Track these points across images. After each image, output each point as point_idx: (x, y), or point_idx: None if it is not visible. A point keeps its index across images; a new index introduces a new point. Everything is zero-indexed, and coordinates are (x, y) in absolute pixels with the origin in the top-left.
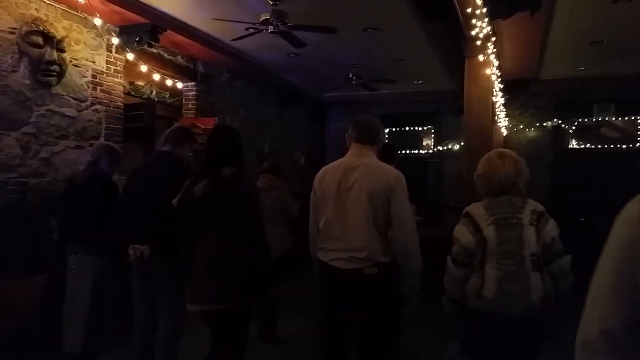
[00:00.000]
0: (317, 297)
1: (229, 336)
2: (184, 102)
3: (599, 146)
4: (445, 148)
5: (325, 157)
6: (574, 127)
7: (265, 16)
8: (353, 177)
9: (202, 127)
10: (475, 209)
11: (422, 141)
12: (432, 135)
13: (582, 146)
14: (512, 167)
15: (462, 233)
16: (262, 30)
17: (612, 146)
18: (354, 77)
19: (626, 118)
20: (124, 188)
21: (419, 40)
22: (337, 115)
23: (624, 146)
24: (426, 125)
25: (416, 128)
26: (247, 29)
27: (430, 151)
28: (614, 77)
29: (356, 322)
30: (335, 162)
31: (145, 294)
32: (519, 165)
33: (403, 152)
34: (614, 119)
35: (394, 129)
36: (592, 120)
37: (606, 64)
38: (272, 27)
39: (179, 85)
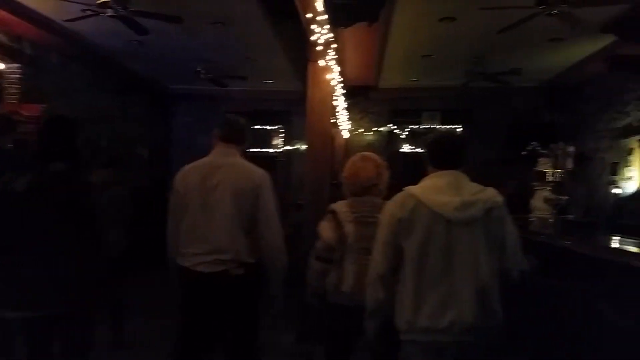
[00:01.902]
0: (174, 303)
1: (66, 346)
2: (5, 85)
3: None
4: (294, 147)
5: (171, 152)
6: (405, 133)
7: None
8: (217, 176)
9: (26, 114)
10: (340, 206)
11: (271, 140)
12: (282, 135)
13: (412, 150)
14: (373, 171)
15: (325, 228)
16: (99, 13)
17: None
18: (203, 71)
19: (449, 126)
20: None
21: (269, 39)
22: (185, 109)
23: None
24: (276, 124)
25: (266, 127)
26: (83, 10)
27: (280, 150)
28: (441, 88)
29: (226, 326)
30: (199, 160)
31: None
32: (380, 169)
33: (252, 150)
34: (439, 126)
35: None
36: (420, 127)
37: (435, 76)
38: (111, 10)
39: (1, 66)
